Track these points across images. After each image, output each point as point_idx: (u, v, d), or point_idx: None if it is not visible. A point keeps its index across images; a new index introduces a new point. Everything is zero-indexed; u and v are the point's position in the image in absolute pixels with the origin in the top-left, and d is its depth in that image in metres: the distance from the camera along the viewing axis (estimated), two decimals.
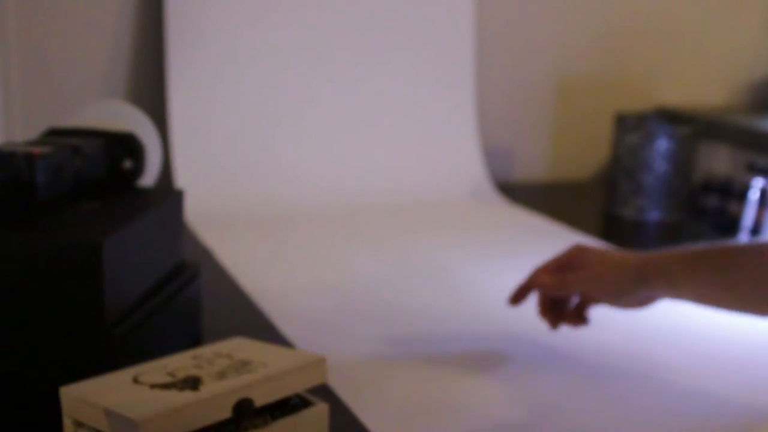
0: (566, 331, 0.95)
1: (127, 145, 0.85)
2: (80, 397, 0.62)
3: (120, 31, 1.46)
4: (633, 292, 0.87)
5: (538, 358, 0.90)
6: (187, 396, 0.62)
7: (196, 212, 1.26)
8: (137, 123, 0.90)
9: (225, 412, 0.63)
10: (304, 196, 1.44)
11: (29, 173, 0.73)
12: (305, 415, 0.68)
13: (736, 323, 0.94)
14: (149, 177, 0.90)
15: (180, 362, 0.68)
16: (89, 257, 0.69)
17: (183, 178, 1.39)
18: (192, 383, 0.64)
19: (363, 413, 0.76)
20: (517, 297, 0.93)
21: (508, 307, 0.93)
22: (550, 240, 1.27)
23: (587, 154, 1.75)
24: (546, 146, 1.74)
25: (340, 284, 1.11)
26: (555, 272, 0.90)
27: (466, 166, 1.57)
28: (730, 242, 0.88)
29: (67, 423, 0.63)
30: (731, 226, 1.40)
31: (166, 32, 1.41)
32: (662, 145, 1.43)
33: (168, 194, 0.90)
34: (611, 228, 1.44)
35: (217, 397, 0.62)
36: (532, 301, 0.92)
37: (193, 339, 0.88)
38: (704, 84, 1.82)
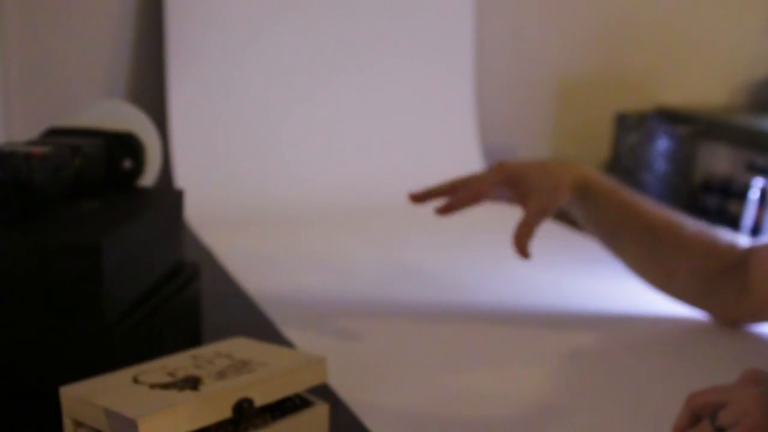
0: (570, 331, 0.95)
1: (127, 145, 0.85)
2: (80, 397, 0.62)
3: (120, 31, 1.45)
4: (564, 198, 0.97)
5: (539, 359, 0.90)
6: (187, 396, 0.62)
7: (196, 212, 1.26)
8: (137, 123, 0.90)
9: (225, 412, 0.63)
10: (303, 196, 1.44)
11: (28, 173, 0.73)
12: (305, 415, 0.68)
13: None
14: (149, 177, 0.90)
15: (180, 362, 0.68)
16: (89, 257, 0.69)
17: (183, 178, 1.39)
18: (192, 383, 0.64)
19: (363, 413, 0.76)
20: (422, 197, 0.99)
21: (508, 307, 0.93)
22: (550, 240, 1.27)
23: (587, 154, 1.75)
24: (546, 146, 1.74)
25: (341, 284, 1.11)
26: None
27: (466, 166, 1.57)
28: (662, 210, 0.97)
29: (67, 423, 0.63)
30: (731, 225, 1.40)
31: (166, 32, 1.41)
32: (662, 144, 1.43)
33: (168, 194, 0.90)
34: None
35: (217, 397, 0.62)
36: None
37: (193, 339, 0.88)
38: (704, 84, 1.82)
